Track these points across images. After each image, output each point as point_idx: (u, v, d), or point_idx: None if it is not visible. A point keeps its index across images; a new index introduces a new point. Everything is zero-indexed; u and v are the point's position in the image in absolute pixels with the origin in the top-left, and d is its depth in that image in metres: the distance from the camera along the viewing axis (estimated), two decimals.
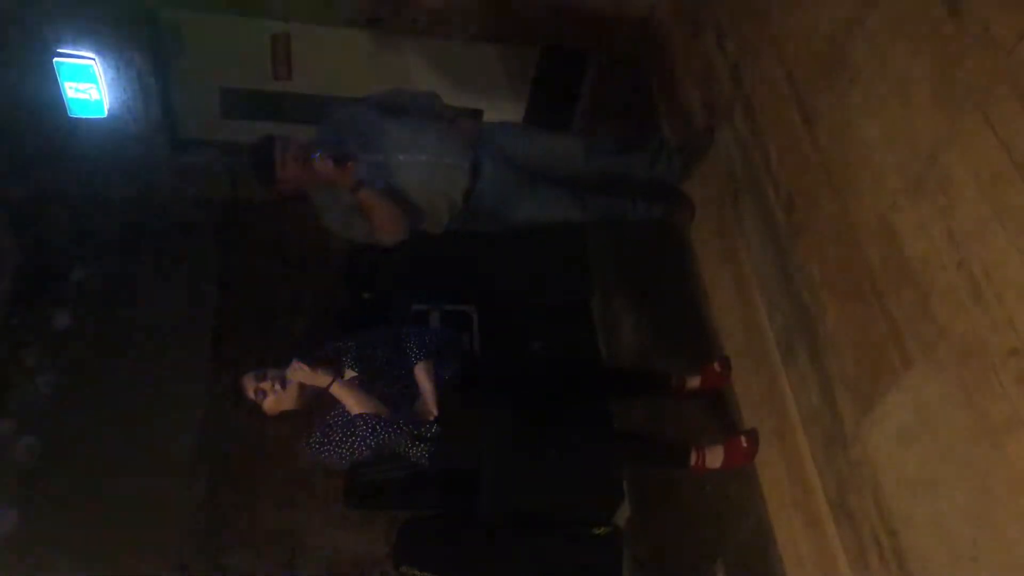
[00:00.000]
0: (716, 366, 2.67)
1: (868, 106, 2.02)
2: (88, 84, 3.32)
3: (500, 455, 2.56)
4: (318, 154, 2.43)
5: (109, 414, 3.43)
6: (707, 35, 2.93)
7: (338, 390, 2.34)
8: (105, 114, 3.44)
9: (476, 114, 2.99)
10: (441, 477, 3.26)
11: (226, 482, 3.50)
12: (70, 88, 3.30)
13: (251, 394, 2.36)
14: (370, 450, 2.33)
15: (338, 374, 2.39)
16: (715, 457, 2.51)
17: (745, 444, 2.47)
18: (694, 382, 2.71)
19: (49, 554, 3.16)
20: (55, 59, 3.20)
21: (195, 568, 3.33)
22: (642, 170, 2.91)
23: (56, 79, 3.27)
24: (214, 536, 3.41)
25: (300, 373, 2.34)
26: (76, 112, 3.36)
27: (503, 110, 3.75)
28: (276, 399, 2.36)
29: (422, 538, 3.23)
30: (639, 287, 3.51)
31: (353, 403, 2.33)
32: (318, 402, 2.41)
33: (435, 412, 2.37)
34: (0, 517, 3.19)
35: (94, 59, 3.27)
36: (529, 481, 3.12)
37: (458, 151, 2.62)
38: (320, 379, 2.34)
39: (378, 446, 2.32)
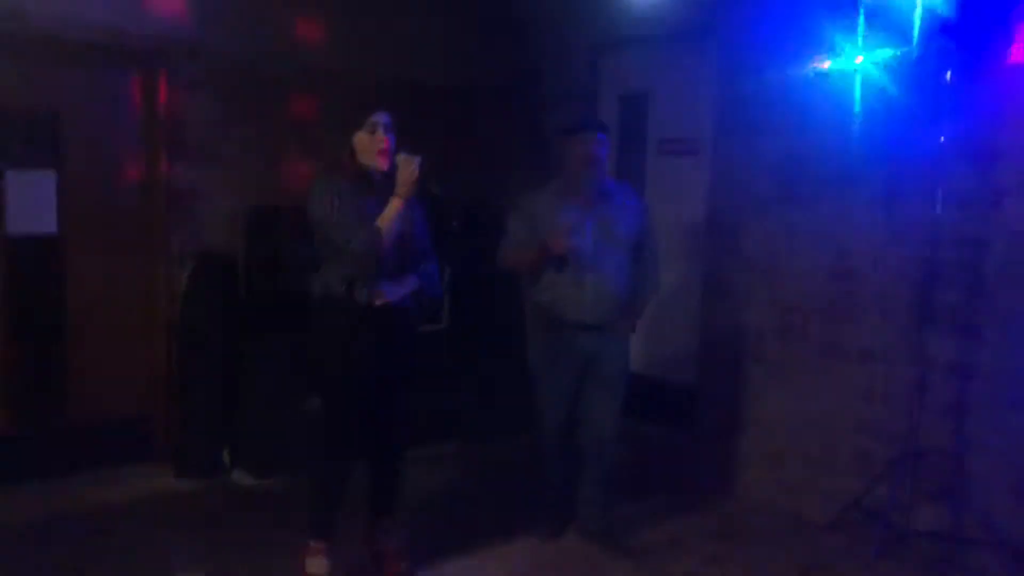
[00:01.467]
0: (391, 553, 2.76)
1: None
2: None
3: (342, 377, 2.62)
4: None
5: None
6: None
7: (399, 204, 2.51)
8: None
9: (643, 306, 3.12)
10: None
11: None
12: None
13: (373, 117, 2.59)
14: (343, 235, 2.47)
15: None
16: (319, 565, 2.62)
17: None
18: (377, 546, 2.78)
19: None
20: None
21: None
22: (584, 510, 3.14)
23: None
24: None
25: (410, 164, 2.50)
26: None
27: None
28: (372, 140, 2.57)
29: None
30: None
31: (389, 222, 2.49)
32: (368, 181, 2.58)
33: (381, 301, 2.56)
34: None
35: None
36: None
37: (624, 289, 2.98)
38: (407, 187, 2.51)
39: (351, 244, 2.46)
